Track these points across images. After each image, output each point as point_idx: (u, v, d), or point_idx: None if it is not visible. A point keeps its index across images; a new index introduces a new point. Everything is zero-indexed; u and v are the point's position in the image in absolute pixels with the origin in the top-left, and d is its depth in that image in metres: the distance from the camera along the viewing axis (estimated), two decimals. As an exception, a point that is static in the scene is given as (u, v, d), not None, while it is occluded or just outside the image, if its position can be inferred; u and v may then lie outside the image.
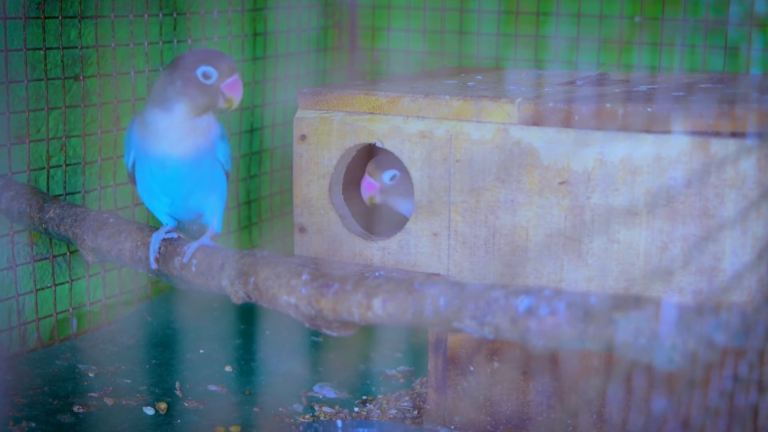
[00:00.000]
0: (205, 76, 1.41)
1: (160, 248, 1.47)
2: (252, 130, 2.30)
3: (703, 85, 1.66)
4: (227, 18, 2.19)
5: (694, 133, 1.42)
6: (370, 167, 1.73)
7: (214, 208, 1.50)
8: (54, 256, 1.90)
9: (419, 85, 1.73)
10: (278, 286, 1.29)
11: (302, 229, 1.72)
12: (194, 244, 1.44)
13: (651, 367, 1.05)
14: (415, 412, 1.70)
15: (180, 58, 1.43)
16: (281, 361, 1.89)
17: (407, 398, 1.75)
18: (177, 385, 1.76)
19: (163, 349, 1.93)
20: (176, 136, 1.43)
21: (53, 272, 1.91)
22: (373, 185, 1.73)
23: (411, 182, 1.63)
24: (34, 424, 1.58)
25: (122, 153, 1.95)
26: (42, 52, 1.83)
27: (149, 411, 1.66)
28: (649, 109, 1.44)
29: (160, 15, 2.04)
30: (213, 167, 1.48)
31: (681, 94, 1.58)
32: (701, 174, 1.41)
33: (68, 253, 1.93)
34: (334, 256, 1.70)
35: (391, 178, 1.72)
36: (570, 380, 1.55)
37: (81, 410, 1.64)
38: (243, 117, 2.27)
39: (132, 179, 1.51)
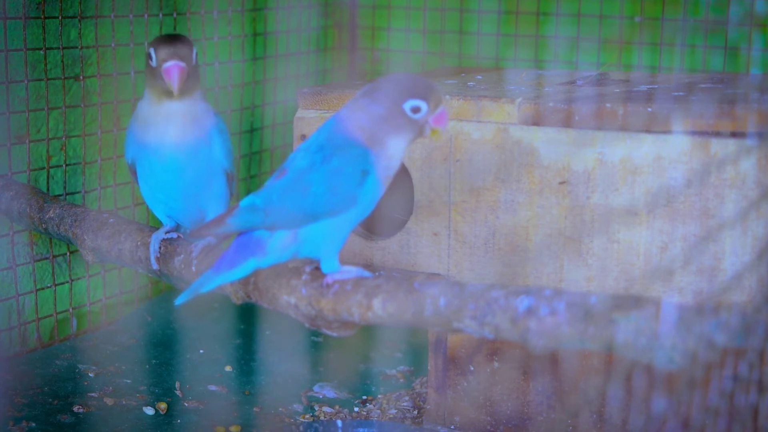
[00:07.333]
0: (150, 57, 1.43)
1: (160, 248, 1.47)
2: (252, 130, 2.30)
3: (703, 85, 1.66)
4: (227, 18, 2.19)
5: (694, 133, 1.42)
6: None
7: (216, 210, 1.50)
8: (54, 256, 1.90)
9: (419, 85, 1.73)
10: (278, 286, 1.29)
11: (302, 229, 1.72)
12: (201, 242, 1.44)
13: (651, 367, 1.05)
14: (415, 412, 1.70)
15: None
16: (281, 361, 1.89)
17: (407, 398, 1.75)
18: (177, 385, 1.76)
19: (163, 349, 1.93)
20: (160, 119, 1.44)
21: (53, 272, 1.91)
22: None
23: None
24: (34, 424, 1.58)
25: (122, 153, 1.95)
26: (42, 52, 1.83)
27: (149, 411, 1.66)
28: (649, 109, 1.44)
29: (160, 15, 2.04)
30: (210, 162, 1.47)
31: (681, 94, 1.58)
32: (701, 174, 1.41)
33: (68, 253, 1.93)
34: (334, 256, 1.70)
35: None
36: (570, 380, 1.55)
37: (81, 410, 1.64)
38: (243, 117, 2.27)
39: (133, 173, 1.52)
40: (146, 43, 1.99)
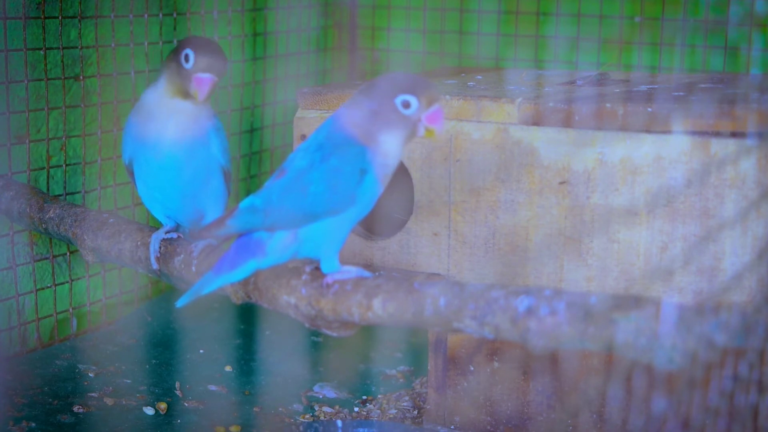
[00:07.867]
0: (186, 58, 1.43)
1: (160, 248, 1.48)
2: (252, 130, 2.30)
3: (703, 85, 1.66)
4: (227, 18, 2.19)
5: (694, 133, 1.42)
6: None
7: (214, 209, 1.50)
8: (54, 256, 1.90)
9: (419, 85, 1.73)
10: (278, 286, 1.29)
11: (302, 229, 1.72)
12: (201, 243, 1.44)
13: (651, 367, 1.05)
14: (415, 412, 1.70)
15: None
16: (281, 361, 1.89)
17: (407, 398, 1.75)
18: (177, 385, 1.76)
19: (163, 349, 1.93)
20: (162, 115, 1.44)
21: (53, 272, 1.91)
22: None
23: None
24: (34, 424, 1.58)
25: (121, 153, 1.95)
26: (42, 52, 1.83)
27: (149, 411, 1.66)
28: (649, 109, 1.44)
29: (160, 15, 2.04)
30: (208, 161, 1.47)
31: (681, 94, 1.58)
32: (701, 174, 1.41)
33: (68, 253, 1.92)
34: (334, 256, 1.69)
35: None
36: (570, 380, 1.55)
37: (81, 410, 1.64)
38: (243, 117, 2.27)
39: (130, 174, 1.52)
40: (176, 41, 1.99)
